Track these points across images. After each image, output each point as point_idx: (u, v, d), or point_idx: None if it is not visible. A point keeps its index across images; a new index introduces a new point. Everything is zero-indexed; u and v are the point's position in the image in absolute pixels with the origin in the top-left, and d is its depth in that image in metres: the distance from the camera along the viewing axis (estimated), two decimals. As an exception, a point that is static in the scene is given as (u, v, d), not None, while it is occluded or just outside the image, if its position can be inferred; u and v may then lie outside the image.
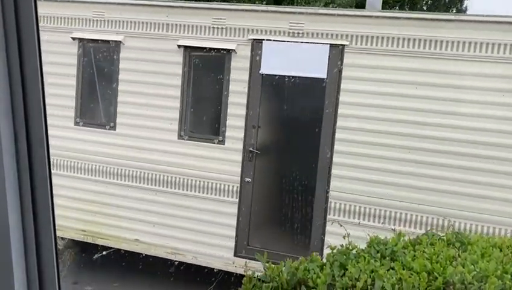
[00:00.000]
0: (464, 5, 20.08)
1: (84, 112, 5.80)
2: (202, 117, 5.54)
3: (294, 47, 4.97)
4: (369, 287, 2.36)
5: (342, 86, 4.84)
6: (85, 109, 5.81)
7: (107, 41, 5.57)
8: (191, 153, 5.41)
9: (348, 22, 4.82)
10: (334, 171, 4.92)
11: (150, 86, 5.46)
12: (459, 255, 2.68)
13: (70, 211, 5.72)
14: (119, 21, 5.53)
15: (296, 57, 4.99)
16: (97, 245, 5.89)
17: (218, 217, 5.35)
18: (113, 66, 5.60)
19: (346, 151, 4.87)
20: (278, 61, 5.04)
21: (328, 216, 4.93)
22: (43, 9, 5.72)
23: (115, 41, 5.53)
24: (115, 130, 5.65)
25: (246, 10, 5.15)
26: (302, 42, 4.94)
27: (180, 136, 5.43)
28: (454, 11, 19.76)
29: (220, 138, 5.31)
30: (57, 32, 5.71)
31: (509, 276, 2.39)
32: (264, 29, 5.06)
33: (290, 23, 4.97)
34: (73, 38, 5.65)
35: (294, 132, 5.35)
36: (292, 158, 5.36)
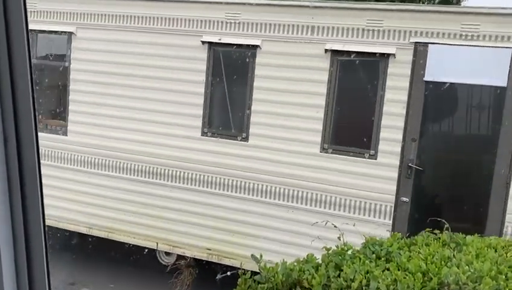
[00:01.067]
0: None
1: (212, 121, 5.39)
2: (349, 128, 5.04)
3: (467, 51, 4.42)
4: (364, 288, 2.37)
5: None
6: (213, 118, 5.39)
7: (241, 45, 5.14)
8: (335, 168, 4.90)
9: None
10: (513, 192, 4.32)
11: (290, 94, 5.00)
12: (454, 255, 2.69)
13: (199, 229, 5.30)
14: (256, 23, 5.10)
15: (468, 62, 4.43)
16: (218, 265, 5.46)
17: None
18: (247, 72, 5.16)
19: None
20: (446, 68, 4.50)
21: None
22: (169, 11, 5.37)
23: (251, 45, 5.09)
24: (247, 141, 5.20)
25: (408, 10, 4.62)
26: (476, 46, 4.38)
27: (323, 149, 4.94)
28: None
29: (372, 152, 4.79)
30: (185, 35, 5.33)
31: (504, 277, 2.38)
32: (430, 31, 4.52)
33: (463, 24, 4.42)
34: (203, 42, 5.25)
35: (462, 146, 4.77)
36: (458, 176, 4.77)
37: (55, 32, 5.73)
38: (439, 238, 3.02)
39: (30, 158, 0.93)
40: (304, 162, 4.98)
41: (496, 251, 2.85)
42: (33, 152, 0.94)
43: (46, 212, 0.96)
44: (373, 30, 4.71)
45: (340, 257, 2.67)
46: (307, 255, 2.75)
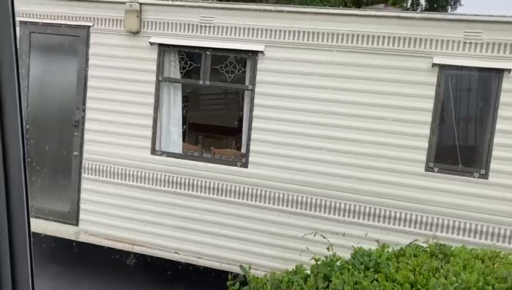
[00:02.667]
0: None
1: (440, 154, 4.79)
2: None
3: None
4: (352, 298, 2.38)
5: None
6: (441, 150, 4.81)
7: (483, 69, 4.61)
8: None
9: None
10: None
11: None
12: (441, 266, 2.67)
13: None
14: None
15: None
16: None
17: None
18: (487, 98, 4.62)
19: None
20: None
21: None
22: (390, 29, 4.81)
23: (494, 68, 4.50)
24: (486, 179, 4.65)
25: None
26: None
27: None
28: None
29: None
30: (412, 56, 4.78)
31: (491, 288, 2.37)
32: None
33: None
34: (434, 65, 4.67)
35: None
36: None
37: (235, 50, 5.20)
38: (428, 249, 3.00)
39: (15, 160, 0.92)
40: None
41: (483, 262, 2.85)
42: (18, 152, 0.93)
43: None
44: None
45: (328, 268, 2.70)
46: (296, 266, 2.78)
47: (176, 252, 5.55)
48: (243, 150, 5.50)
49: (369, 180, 4.93)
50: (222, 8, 5.29)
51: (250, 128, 5.28)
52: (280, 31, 5.10)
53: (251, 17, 5.17)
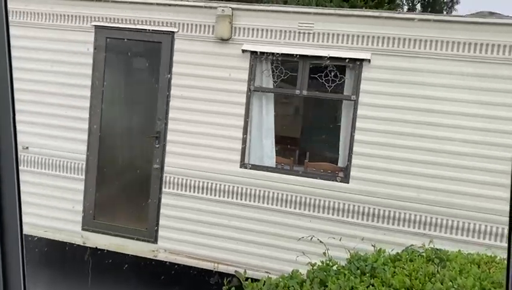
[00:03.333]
0: None
1: None
2: None
3: None
4: (348, 303, 2.38)
5: None
6: None
7: None
8: None
9: None
10: None
11: None
12: (438, 271, 2.68)
13: None
14: None
15: None
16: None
17: None
18: None
19: None
20: None
21: None
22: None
23: None
24: None
25: None
26: None
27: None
28: None
29: None
30: None
31: None
32: None
33: None
34: None
35: None
36: None
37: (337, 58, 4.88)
38: (424, 254, 3.01)
39: (8, 159, 0.92)
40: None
41: (479, 266, 2.85)
42: (11, 152, 0.93)
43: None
44: None
45: (325, 273, 2.68)
46: (292, 271, 2.79)
47: (267, 272, 5.21)
48: (340, 163, 5.20)
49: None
50: (322, 14, 5.01)
51: (351, 141, 4.98)
52: (388, 38, 4.82)
53: (355, 24, 4.88)
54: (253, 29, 5.16)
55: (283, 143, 5.91)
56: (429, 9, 20.51)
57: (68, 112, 5.67)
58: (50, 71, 5.70)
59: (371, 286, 2.57)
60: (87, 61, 5.58)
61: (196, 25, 5.30)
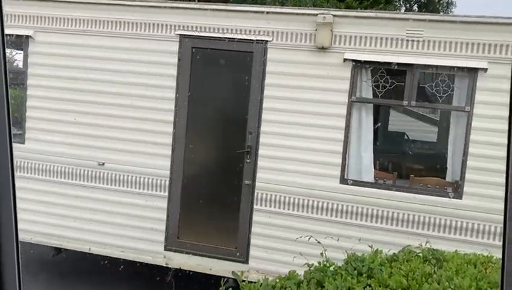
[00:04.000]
0: None
1: None
2: None
3: None
4: (345, 304, 2.41)
5: None
6: None
7: None
8: None
9: None
10: None
11: None
12: (434, 271, 2.68)
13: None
14: None
15: None
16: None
17: None
18: None
19: None
20: None
21: None
22: None
23: None
24: None
25: None
26: None
27: None
28: None
29: None
30: None
31: None
32: None
33: None
34: None
35: None
36: None
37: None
38: (420, 254, 3.01)
39: (3, 166, 0.92)
40: None
41: (475, 267, 2.85)
42: (6, 159, 0.93)
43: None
44: None
45: (322, 274, 2.67)
46: (289, 272, 2.78)
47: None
48: (448, 178, 4.92)
49: None
50: (432, 21, 4.74)
51: (465, 155, 4.71)
52: (501, 45, 4.56)
53: (470, 31, 4.62)
54: (354, 37, 4.88)
55: (383, 156, 5.63)
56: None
57: (153, 127, 5.39)
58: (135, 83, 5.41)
59: (368, 287, 2.57)
60: (171, 72, 5.30)
61: (292, 33, 5.02)
